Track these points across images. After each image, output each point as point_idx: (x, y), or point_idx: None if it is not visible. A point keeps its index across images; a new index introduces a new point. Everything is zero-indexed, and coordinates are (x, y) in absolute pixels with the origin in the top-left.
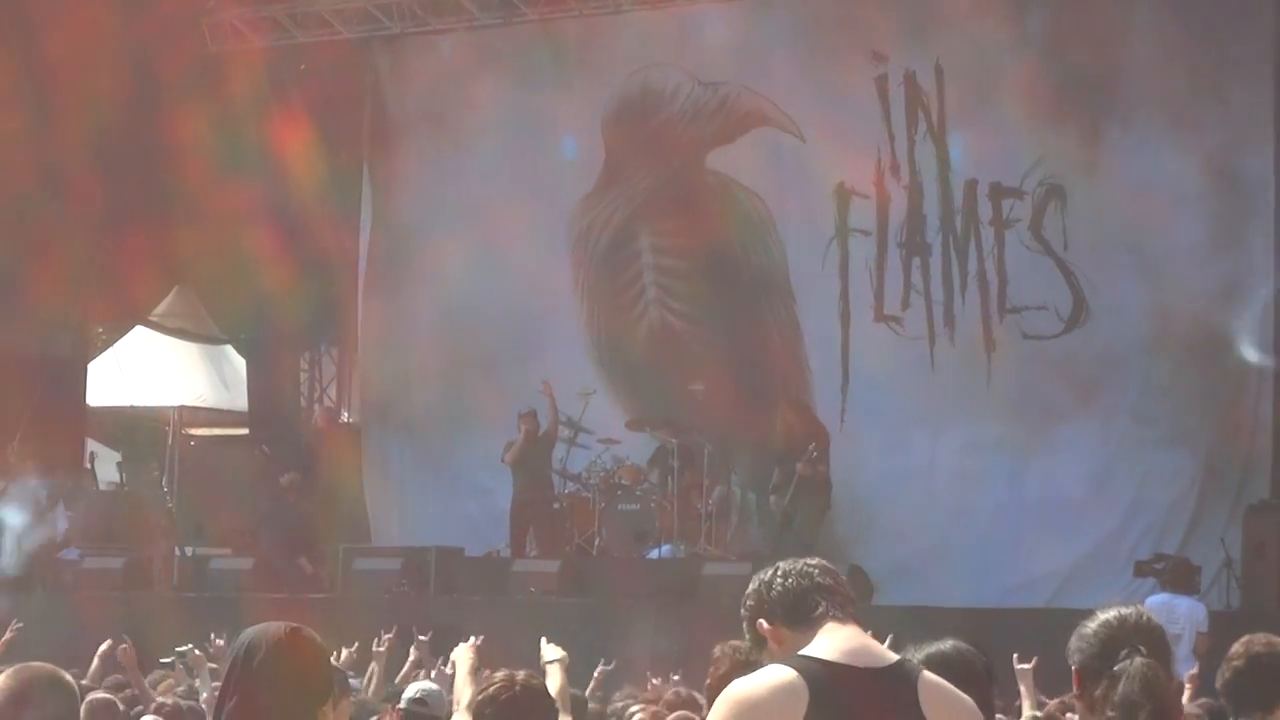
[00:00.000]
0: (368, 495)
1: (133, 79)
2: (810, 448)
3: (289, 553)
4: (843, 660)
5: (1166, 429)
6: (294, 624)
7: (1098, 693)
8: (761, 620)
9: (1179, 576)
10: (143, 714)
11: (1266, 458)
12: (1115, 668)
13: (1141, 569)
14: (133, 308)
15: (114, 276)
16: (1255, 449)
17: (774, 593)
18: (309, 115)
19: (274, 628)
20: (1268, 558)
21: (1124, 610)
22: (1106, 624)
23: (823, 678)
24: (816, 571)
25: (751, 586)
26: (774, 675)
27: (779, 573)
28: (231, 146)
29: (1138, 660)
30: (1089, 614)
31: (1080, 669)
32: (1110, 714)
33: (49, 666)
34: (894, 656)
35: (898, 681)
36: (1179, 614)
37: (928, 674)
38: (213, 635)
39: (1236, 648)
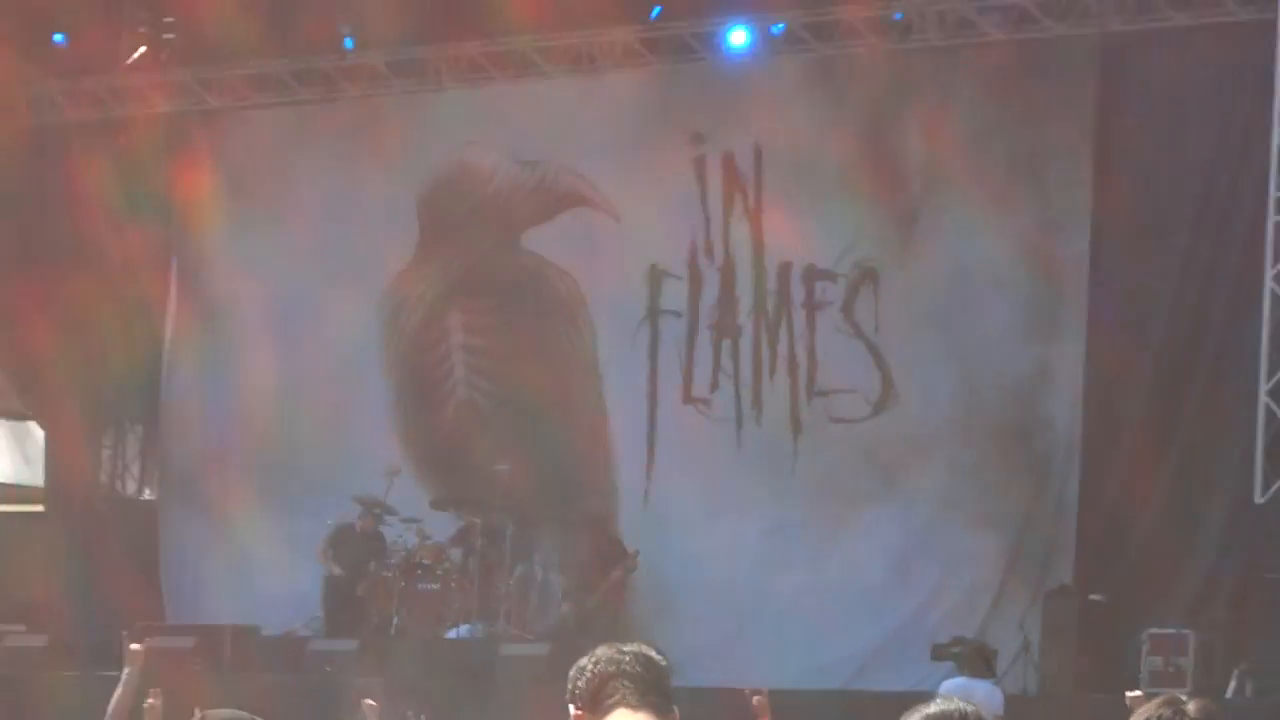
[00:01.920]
0: (162, 574)
1: None
2: (632, 552)
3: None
4: None
5: (971, 512)
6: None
7: None
8: (570, 705)
9: (976, 661)
10: None
11: (1069, 542)
12: None
13: (939, 652)
14: None
15: None
16: (1059, 533)
17: (583, 679)
18: (122, 196)
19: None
20: (1066, 642)
21: (950, 707)
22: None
23: None
24: (627, 659)
25: (571, 672)
26: None
27: (592, 659)
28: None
29: None
30: (892, 696)
31: None
32: None
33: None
34: None
35: None
36: (976, 697)
37: None
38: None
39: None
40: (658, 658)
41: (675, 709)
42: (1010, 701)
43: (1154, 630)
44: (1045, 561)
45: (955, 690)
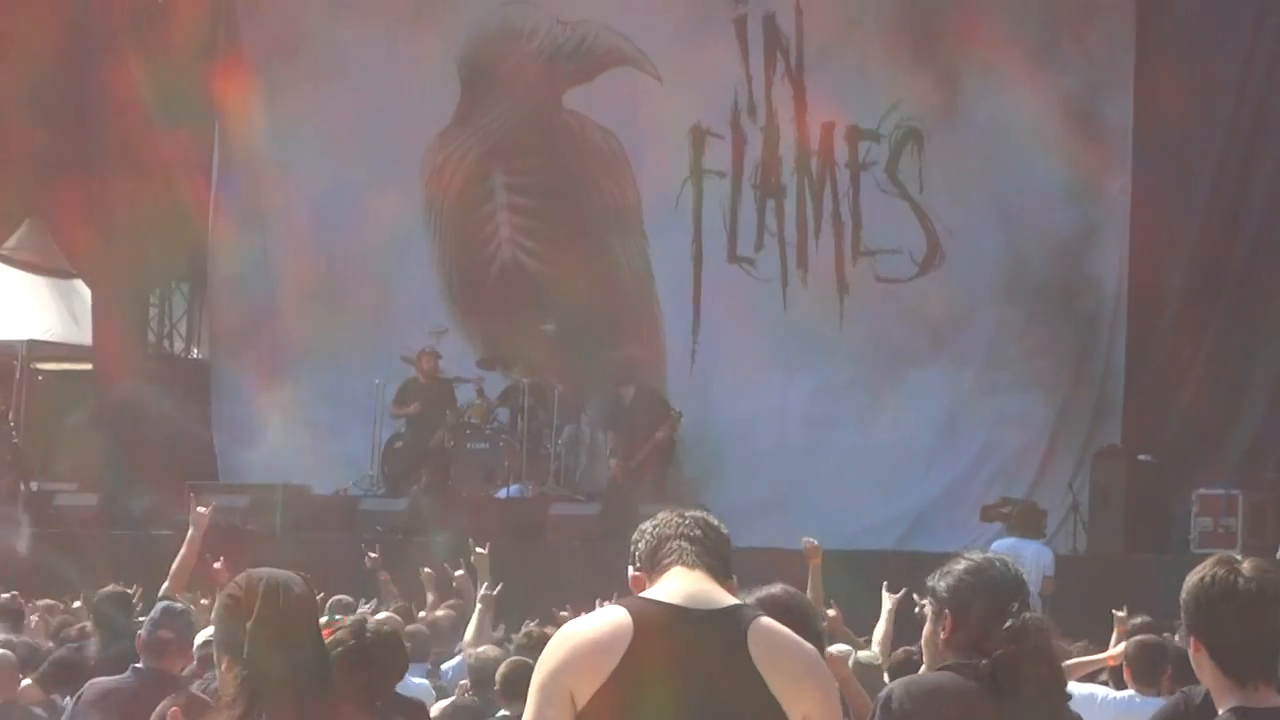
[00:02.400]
0: (215, 432)
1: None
2: (675, 413)
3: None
4: (675, 601)
5: (1019, 374)
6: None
7: (968, 634)
8: (630, 567)
9: (1026, 521)
10: None
11: (1117, 403)
12: (1010, 623)
13: (988, 513)
14: None
15: None
16: (1106, 395)
17: (642, 542)
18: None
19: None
20: (1114, 503)
21: (995, 559)
22: (983, 572)
23: (650, 618)
24: (687, 523)
25: (633, 535)
26: (604, 615)
27: (653, 522)
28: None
29: (1033, 616)
30: (941, 557)
31: (955, 611)
32: (1012, 659)
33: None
34: (732, 601)
35: (728, 624)
36: (1025, 558)
37: (763, 619)
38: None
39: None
40: (718, 523)
41: (734, 577)
42: (1060, 562)
43: (1203, 490)
44: (1093, 422)
45: (1005, 550)
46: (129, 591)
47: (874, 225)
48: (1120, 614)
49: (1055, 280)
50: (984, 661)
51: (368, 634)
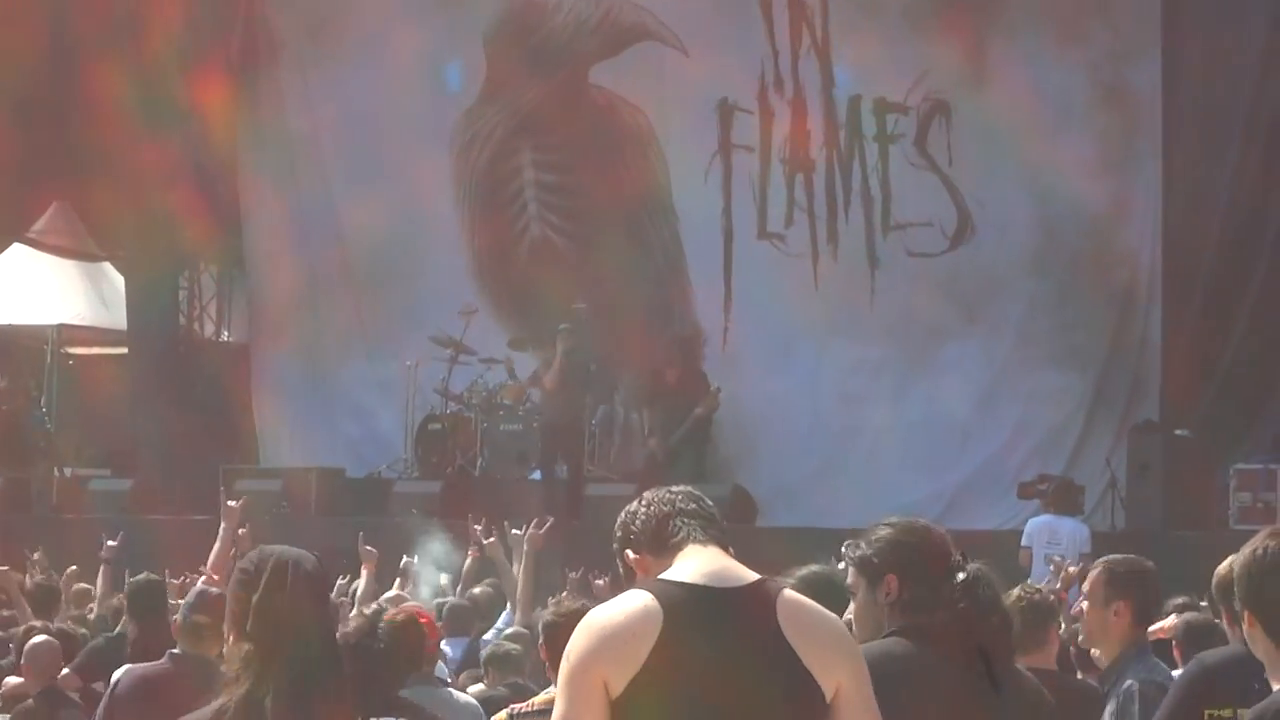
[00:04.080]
0: (256, 416)
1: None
2: (714, 389)
3: (169, 473)
4: (699, 581)
5: (1053, 348)
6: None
7: (914, 593)
8: (628, 551)
9: (1062, 498)
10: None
11: (1154, 378)
12: (964, 575)
13: (1025, 490)
14: (9, 225)
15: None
16: (1143, 369)
17: (638, 523)
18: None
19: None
20: (1152, 479)
21: (916, 518)
22: (918, 530)
23: (678, 599)
24: (679, 497)
25: (620, 519)
26: (629, 600)
27: (643, 502)
28: (140, 93)
29: (976, 564)
30: (981, 534)
31: (899, 571)
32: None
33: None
34: (754, 576)
35: (756, 600)
36: (1062, 535)
37: (789, 592)
38: (103, 537)
39: None
40: (703, 495)
41: (730, 548)
42: (1097, 538)
43: (1241, 465)
44: (1130, 397)
45: (1042, 527)
46: (160, 579)
47: (904, 199)
48: None
49: (1088, 253)
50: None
51: (380, 630)
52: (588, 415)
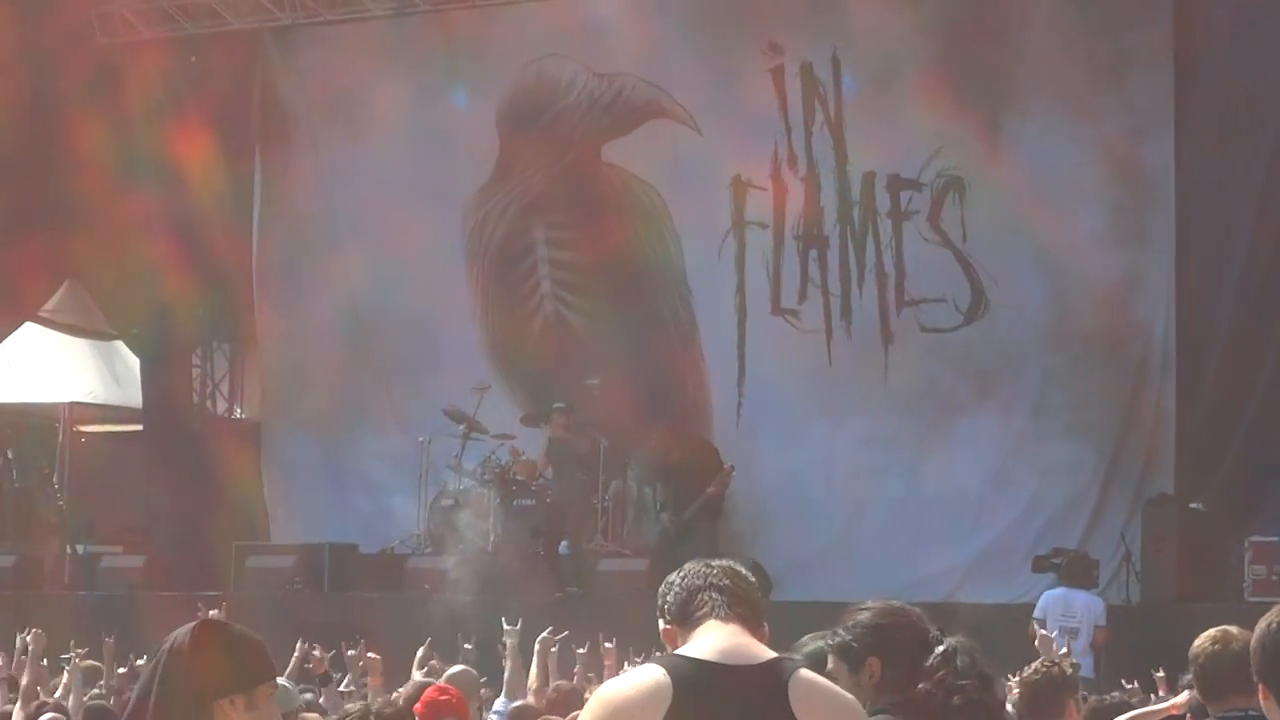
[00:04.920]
0: (267, 492)
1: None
2: (728, 467)
3: (181, 550)
4: (712, 658)
5: (1067, 422)
6: (211, 619)
7: (896, 674)
8: (660, 620)
9: (1077, 571)
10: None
11: (1169, 451)
12: (943, 648)
13: (1039, 564)
14: (22, 305)
15: (2, 275)
16: (1157, 442)
17: (671, 594)
18: (203, 113)
19: (188, 625)
20: (1167, 552)
21: (889, 600)
22: (895, 611)
23: (689, 676)
24: (715, 572)
25: (660, 589)
26: (640, 675)
27: (681, 573)
28: (128, 153)
29: (959, 639)
30: (995, 608)
31: (882, 654)
32: (955, 683)
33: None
34: (770, 655)
35: (767, 679)
36: (1076, 608)
37: (803, 672)
38: (104, 635)
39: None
40: (746, 573)
41: (765, 626)
42: (1112, 611)
43: (1256, 538)
44: (1144, 470)
45: (1056, 601)
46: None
47: (917, 274)
48: (1159, 674)
49: (1102, 326)
50: (921, 687)
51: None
52: (601, 490)
